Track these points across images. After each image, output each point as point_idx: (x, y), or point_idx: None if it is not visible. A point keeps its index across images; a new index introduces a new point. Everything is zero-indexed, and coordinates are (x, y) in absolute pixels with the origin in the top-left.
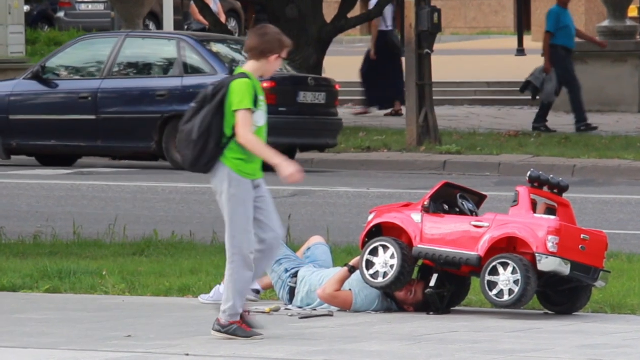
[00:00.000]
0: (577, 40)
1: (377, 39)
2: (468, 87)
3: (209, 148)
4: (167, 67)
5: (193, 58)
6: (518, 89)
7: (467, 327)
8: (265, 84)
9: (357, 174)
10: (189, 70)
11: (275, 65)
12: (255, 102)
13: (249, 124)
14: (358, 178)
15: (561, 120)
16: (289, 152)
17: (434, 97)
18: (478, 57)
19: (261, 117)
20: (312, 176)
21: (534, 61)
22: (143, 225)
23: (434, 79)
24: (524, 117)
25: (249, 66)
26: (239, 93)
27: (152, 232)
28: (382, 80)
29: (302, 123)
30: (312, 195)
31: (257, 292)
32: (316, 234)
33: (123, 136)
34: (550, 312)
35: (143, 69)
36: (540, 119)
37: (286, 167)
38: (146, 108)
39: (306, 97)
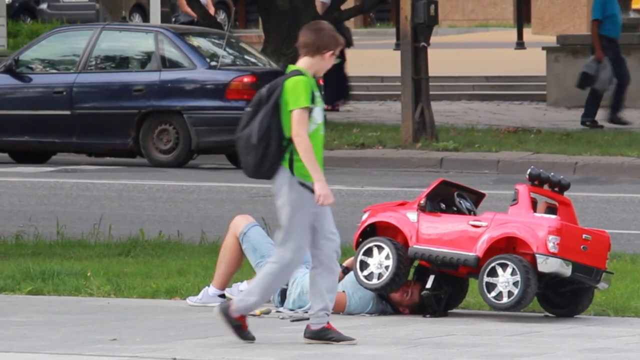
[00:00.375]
0: (577, 34)
1: None
2: (466, 81)
3: (271, 152)
4: (144, 61)
5: (171, 52)
6: (518, 83)
7: (465, 331)
8: (245, 79)
9: (350, 171)
10: (167, 64)
11: (330, 62)
12: (312, 99)
13: (305, 123)
14: (352, 176)
15: (562, 116)
16: None
17: (431, 92)
18: (476, 50)
19: (319, 114)
20: None
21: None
22: (129, 224)
23: (431, 73)
24: (523, 112)
25: (303, 63)
26: (294, 91)
27: (139, 232)
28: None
29: None
30: None
31: None
32: None
33: (99, 132)
34: (550, 315)
35: (120, 62)
36: (590, 112)
37: (323, 186)
38: (123, 103)
39: None
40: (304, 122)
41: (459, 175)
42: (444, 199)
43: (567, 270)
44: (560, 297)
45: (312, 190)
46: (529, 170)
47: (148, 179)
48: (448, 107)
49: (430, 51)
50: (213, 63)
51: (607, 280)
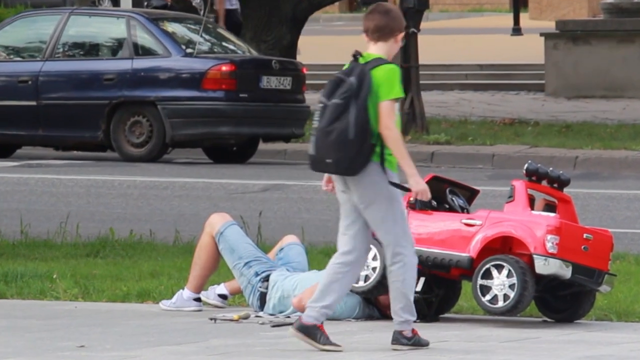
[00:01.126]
0: (577, 19)
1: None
2: (458, 70)
3: (366, 146)
4: (115, 48)
5: (144, 38)
6: (514, 72)
7: (458, 337)
8: (223, 68)
9: None
10: (140, 51)
11: (399, 45)
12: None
13: (394, 115)
14: None
15: (561, 107)
16: (251, 143)
17: (421, 81)
18: (469, 36)
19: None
20: (286, 169)
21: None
22: (98, 223)
23: (421, 61)
24: (520, 103)
25: (380, 49)
26: (388, 81)
27: (108, 231)
28: None
29: (265, 111)
30: (285, 190)
31: (224, 297)
32: (290, 232)
33: (67, 124)
34: (549, 320)
35: (89, 49)
36: None
37: (418, 181)
38: (92, 93)
39: (270, 81)
40: (394, 113)
41: (451, 170)
42: (435, 196)
43: (566, 272)
44: (560, 300)
45: (403, 188)
46: (526, 165)
47: (118, 174)
48: (439, 98)
49: (420, 37)
50: (189, 50)
51: (609, 282)
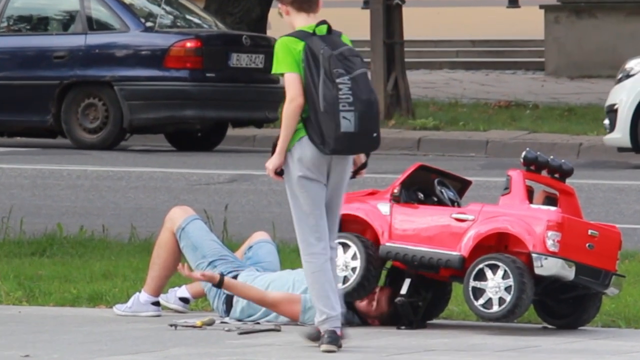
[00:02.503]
0: None
1: None
2: (448, 46)
3: None
4: (67, 22)
5: (99, 11)
6: (511, 49)
7: (447, 345)
8: (188, 44)
9: None
10: (95, 26)
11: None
12: None
13: None
14: None
15: (563, 88)
16: (219, 128)
17: (406, 59)
18: (460, 9)
19: None
20: (254, 157)
21: (530, 15)
22: (44, 217)
23: (406, 36)
24: (517, 83)
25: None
26: None
27: (56, 227)
28: None
29: (234, 92)
30: (254, 181)
31: (186, 301)
32: (259, 229)
33: (12, 107)
34: (550, 327)
35: (37, 24)
36: None
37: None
38: (41, 73)
39: (240, 60)
40: None
41: (440, 159)
42: (422, 188)
43: (569, 273)
44: (562, 305)
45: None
46: (524, 153)
47: (68, 163)
48: (427, 78)
49: (405, 10)
50: (149, 24)
51: (617, 284)
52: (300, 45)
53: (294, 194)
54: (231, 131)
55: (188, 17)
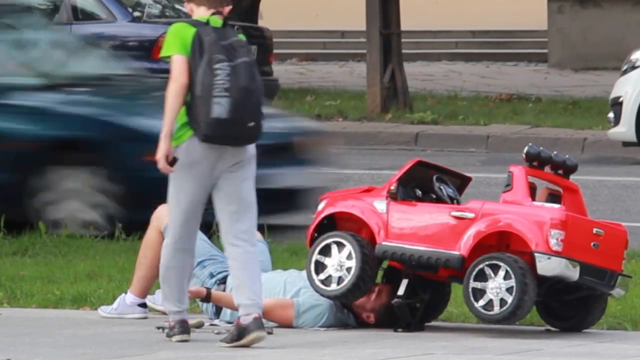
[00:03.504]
0: None
1: None
2: (447, 37)
3: None
4: (51, 12)
5: (85, 0)
6: (512, 40)
7: (446, 349)
8: None
9: None
10: (80, 15)
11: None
12: None
13: None
14: None
15: (567, 81)
16: None
17: (404, 51)
18: None
19: None
20: None
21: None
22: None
23: (404, 26)
24: (519, 75)
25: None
26: None
27: (37, 225)
28: None
29: None
30: None
31: None
32: None
33: None
34: (553, 329)
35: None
36: None
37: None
38: None
39: None
40: None
41: (439, 154)
42: (420, 184)
43: (573, 273)
44: (566, 306)
45: None
46: (526, 149)
47: None
48: (425, 70)
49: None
50: (137, 14)
51: (623, 285)
52: (191, 31)
53: (175, 184)
54: None
55: (176, 6)
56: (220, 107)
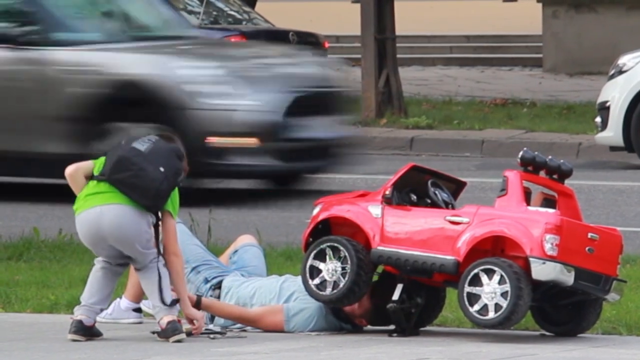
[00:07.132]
0: None
1: None
2: (442, 41)
3: None
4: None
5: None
6: (507, 44)
7: (441, 353)
8: (232, 40)
9: None
10: None
11: None
12: None
13: None
14: None
15: (562, 85)
16: None
17: (398, 55)
18: (455, 3)
19: None
20: None
21: (527, 9)
22: (21, 220)
23: (398, 31)
24: (513, 80)
25: None
26: None
27: (32, 230)
28: None
29: None
30: (240, 183)
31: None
32: (245, 232)
33: None
34: (548, 334)
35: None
36: None
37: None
38: None
39: None
40: None
41: (434, 159)
42: (415, 189)
43: (568, 278)
44: (560, 311)
45: None
46: (521, 153)
47: None
48: (420, 74)
49: (397, 4)
50: (195, 21)
51: (618, 290)
52: None
53: None
54: None
55: (231, 12)
56: None
